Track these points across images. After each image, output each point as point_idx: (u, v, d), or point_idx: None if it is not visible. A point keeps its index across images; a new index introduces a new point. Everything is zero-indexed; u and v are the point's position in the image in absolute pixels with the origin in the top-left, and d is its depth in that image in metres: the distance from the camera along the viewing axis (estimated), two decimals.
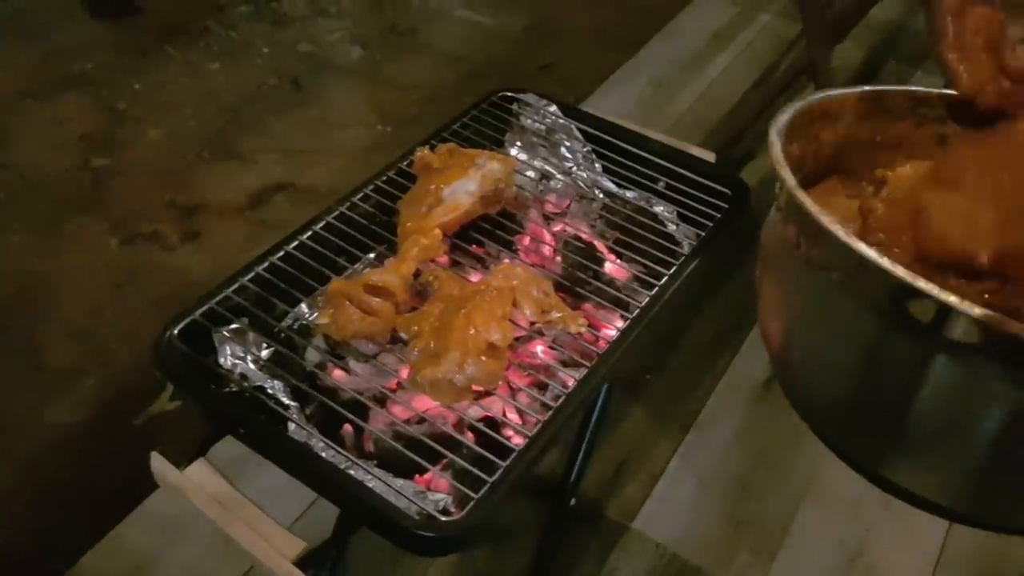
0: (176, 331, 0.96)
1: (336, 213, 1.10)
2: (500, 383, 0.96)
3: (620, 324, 1.01)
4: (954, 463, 0.46)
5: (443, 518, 0.82)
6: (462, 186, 1.07)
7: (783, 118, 0.54)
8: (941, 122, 0.60)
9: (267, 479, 1.06)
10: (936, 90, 0.61)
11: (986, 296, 0.49)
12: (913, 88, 0.60)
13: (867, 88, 0.59)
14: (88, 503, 1.48)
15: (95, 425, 1.62)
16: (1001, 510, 0.47)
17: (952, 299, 0.41)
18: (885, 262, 0.43)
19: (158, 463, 0.87)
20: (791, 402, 0.53)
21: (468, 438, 0.92)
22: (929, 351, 0.43)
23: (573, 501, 1.20)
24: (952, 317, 0.41)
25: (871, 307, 0.45)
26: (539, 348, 1.02)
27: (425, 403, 0.96)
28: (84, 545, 1.39)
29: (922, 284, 0.41)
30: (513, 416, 0.98)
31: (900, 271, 0.42)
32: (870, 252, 0.43)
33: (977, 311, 0.40)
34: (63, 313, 1.81)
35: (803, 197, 0.48)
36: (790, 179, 0.49)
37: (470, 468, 0.86)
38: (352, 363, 1.00)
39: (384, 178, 1.15)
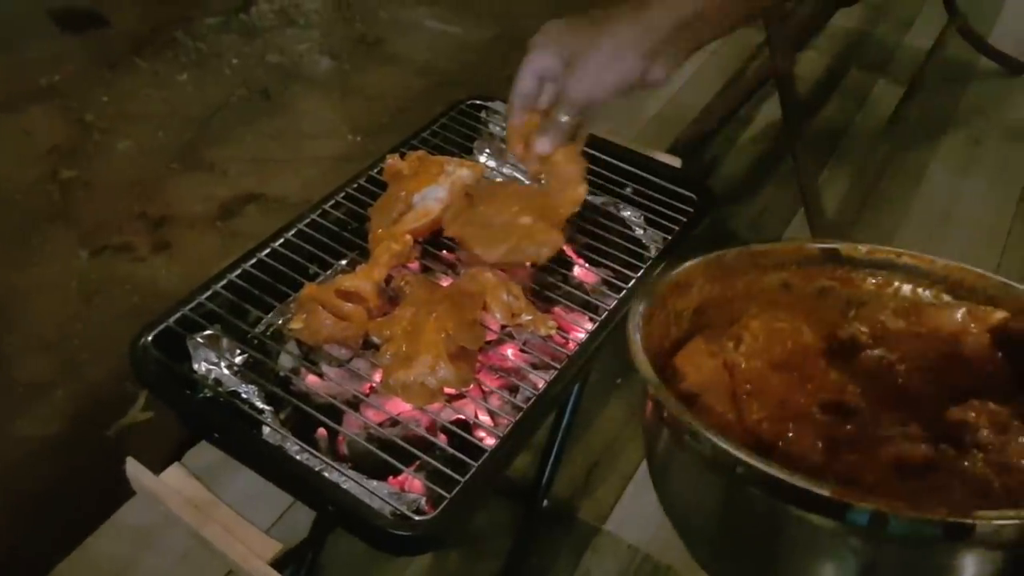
0: (150, 338, 0.96)
1: (308, 220, 1.11)
2: (472, 386, 0.97)
3: (589, 327, 1.03)
4: None
5: (417, 518, 0.83)
6: (432, 193, 1.09)
7: (638, 309, 0.60)
8: (780, 269, 0.65)
9: (242, 486, 1.07)
10: (771, 244, 0.67)
11: (848, 428, 0.55)
12: (750, 247, 0.66)
13: (708, 256, 0.65)
14: (61, 515, 1.48)
15: (67, 437, 1.62)
16: None
17: (801, 481, 0.46)
18: (740, 451, 0.48)
19: (133, 468, 0.88)
20: (681, 538, 0.59)
21: (441, 440, 0.93)
22: (783, 517, 0.49)
23: (545, 503, 1.22)
24: (800, 493, 0.46)
25: (729, 482, 0.51)
26: (510, 351, 1.04)
27: (398, 406, 0.98)
28: (57, 557, 1.39)
29: (772, 470, 0.47)
30: (485, 418, 0.99)
31: (753, 458, 0.48)
32: (727, 443, 0.48)
33: (824, 490, 0.45)
34: (33, 325, 1.80)
35: (665, 397, 0.54)
36: (652, 378, 0.56)
37: (443, 469, 0.87)
38: (325, 368, 1.01)
39: (355, 185, 1.16)
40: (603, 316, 1.03)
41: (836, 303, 0.66)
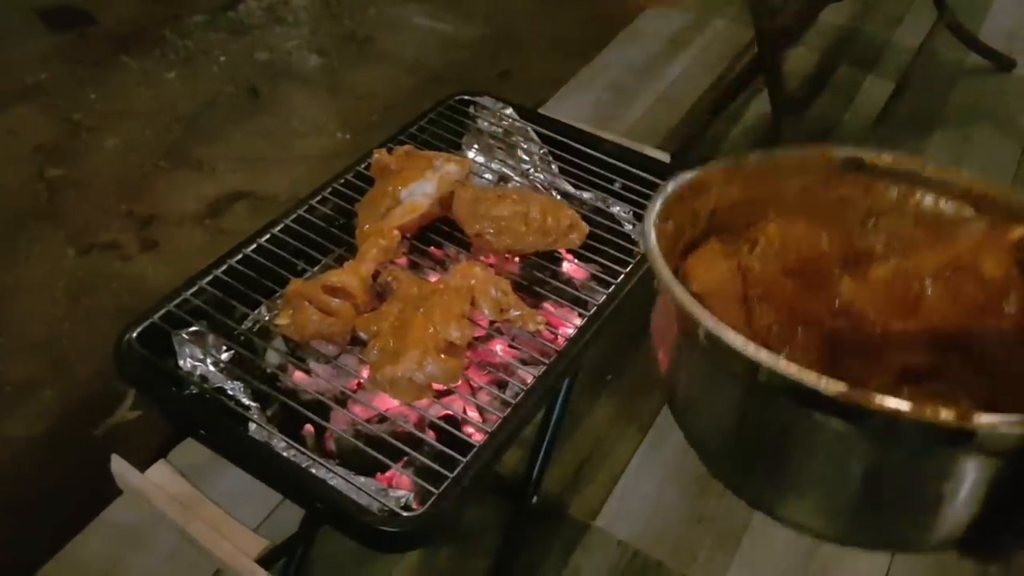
0: (135, 335, 0.96)
1: (294, 216, 1.11)
2: (460, 381, 0.97)
3: (578, 322, 1.03)
4: (831, 504, 0.51)
5: (405, 514, 0.83)
6: (419, 188, 1.08)
7: (655, 205, 0.59)
8: (801, 175, 0.65)
9: (230, 484, 1.06)
10: (793, 150, 0.66)
11: (856, 336, 0.54)
12: (770, 151, 0.65)
13: (728, 158, 0.64)
14: (49, 515, 1.47)
15: (55, 437, 1.61)
16: (885, 539, 0.53)
17: (810, 378, 0.46)
18: (749, 347, 0.47)
19: (118, 465, 0.87)
20: (688, 442, 0.58)
21: (429, 436, 0.93)
22: (792, 417, 0.48)
23: (535, 499, 1.21)
24: (809, 392, 0.45)
25: (739, 380, 0.50)
26: (499, 347, 1.04)
27: (386, 402, 0.97)
28: (44, 557, 1.38)
29: (783, 367, 0.46)
30: (474, 414, 0.99)
31: (763, 354, 0.47)
32: (736, 338, 0.48)
33: (832, 388, 0.45)
34: (21, 325, 1.79)
35: (678, 290, 0.52)
36: (666, 273, 0.54)
37: (431, 465, 0.87)
38: (312, 364, 1.00)
39: (342, 181, 1.15)
40: (592, 311, 1.03)
41: (856, 212, 0.64)
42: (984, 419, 0.43)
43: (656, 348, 0.57)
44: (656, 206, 0.59)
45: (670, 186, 0.61)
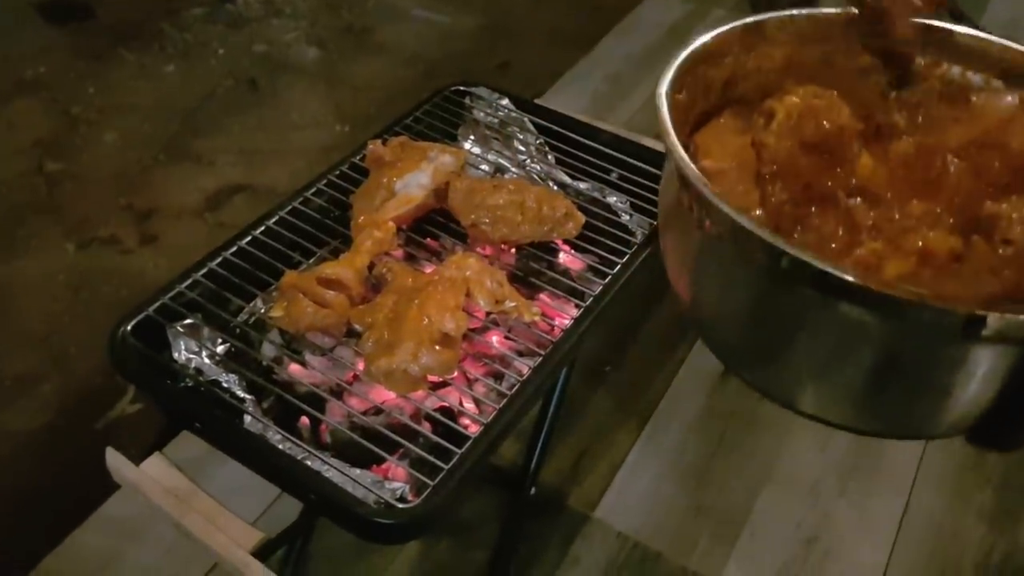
0: (129, 327, 0.96)
1: (289, 208, 1.10)
2: (456, 373, 0.97)
3: (575, 313, 1.03)
4: (847, 392, 0.51)
5: (400, 505, 0.83)
6: (414, 179, 1.08)
7: (669, 73, 0.56)
8: (824, 41, 0.62)
9: (227, 478, 1.06)
10: (813, 10, 0.62)
11: (873, 215, 0.52)
12: (792, 12, 0.62)
13: (747, 21, 0.60)
14: (48, 508, 1.47)
15: (55, 430, 1.61)
16: (899, 426, 0.53)
17: (826, 265, 0.46)
18: (765, 233, 0.46)
19: (113, 459, 0.87)
20: (707, 345, 0.56)
21: (425, 427, 0.93)
22: (804, 300, 0.48)
23: (533, 490, 1.21)
24: (821, 276, 0.45)
25: (754, 266, 0.49)
26: (495, 338, 1.04)
27: (382, 394, 0.97)
28: (43, 550, 1.38)
29: (797, 252, 0.46)
30: (470, 405, 0.99)
31: (779, 241, 0.46)
32: (753, 225, 0.47)
33: (848, 275, 0.44)
34: (20, 319, 1.79)
35: (691, 170, 0.51)
36: (678, 151, 0.52)
37: (427, 456, 0.87)
38: (308, 356, 1.00)
39: (337, 172, 1.15)
40: (588, 302, 1.03)
41: (878, 83, 0.62)
42: (997, 315, 0.42)
43: (665, 244, 0.55)
44: (669, 75, 0.57)
45: (685, 51, 0.58)
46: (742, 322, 0.53)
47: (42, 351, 1.74)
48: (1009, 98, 0.58)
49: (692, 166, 0.50)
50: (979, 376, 0.46)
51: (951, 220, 0.53)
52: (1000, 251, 0.50)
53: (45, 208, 2.03)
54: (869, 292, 0.43)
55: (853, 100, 0.60)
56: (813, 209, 0.53)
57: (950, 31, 0.58)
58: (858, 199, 0.54)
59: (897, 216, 0.53)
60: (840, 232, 0.52)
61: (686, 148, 0.55)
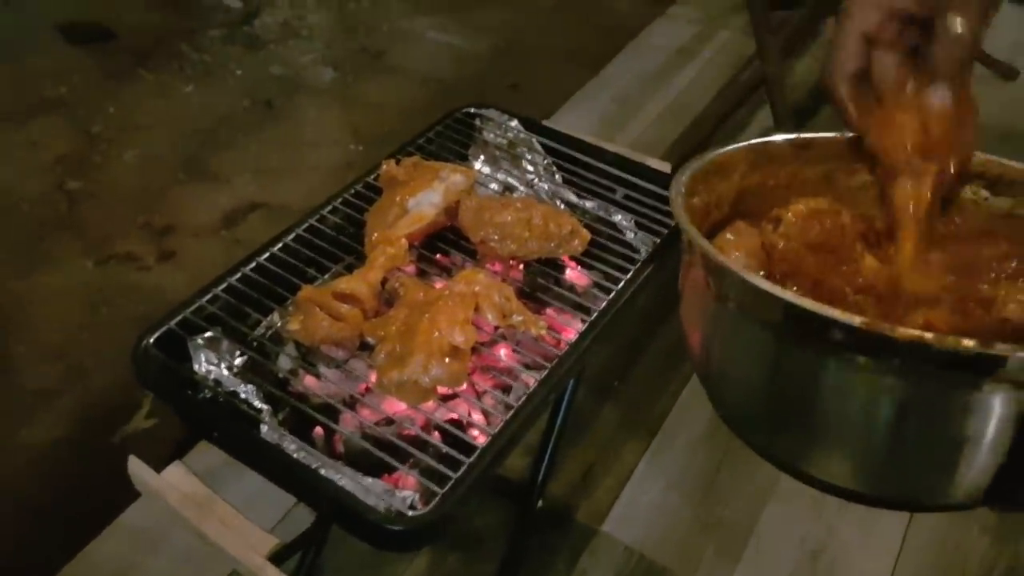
0: (152, 340, 0.99)
1: (306, 225, 1.14)
2: (465, 385, 0.99)
3: (580, 327, 1.06)
4: (859, 452, 0.52)
5: (410, 513, 0.85)
6: (426, 197, 1.11)
7: (682, 178, 0.60)
8: (825, 161, 0.66)
9: (244, 488, 1.09)
10: (816, 134, 0.67)
11: (878, 309, 0.56)
12: (794, 136, 0.66)
13: (753, 141, 0.65)
14: (65, 521, 1.50)
15: (71, 444, 1.64)
16: (912, 490, 0.53)
17: (834, 312, 0.47)
18: (775, 288, 0.49)
19: (135, 466, 0.90)
20: (719, 414, 0.59)
21: (435, 438, 0.96)
22: (820, 359, 0.50)
23: (540, 503, 1.23)
24: (834, 327, 0.47)
25: (768, 327, 0.52)
26: (503, 352, 1.06)
27: (394, 406, 1.00)
28: (61, 560, 1.41)
29: (807, 303, 0.48)
30: (478, 417, 1.02)
31: (788, 294, 0.49)
32: (762, 281, 0.50)
33: (856, 320, 0.46)
34: (39, 334, 1.83)
35: (703, 242, 0.54)
36: (691, 229, 0.56)
37: (436, 466, 0.89)
38: (323, 369, 1.03)
39: (352, 191, 1.19)
40: (594, 316, 1.06)
41: (876, 199, 0.65)
42: (1004, 347, 0.44)
43: (685, 321, 0.58)
44: (683, 178, 0.61)
45: (695, 163, 0.62)
46: (751, 386, 0.56)
47: (60, 365, 1.77)
48: (995, 206, 0.63)
49: (701, 236, 0.54)
50: (989, 427, 0.47)
51: (953, 299, 0.57)
52: (999, 321, 0.54)
53: (65, 225, 2.07)
54: (877, 336, 0.45)
55: (856, 211, 0.65)
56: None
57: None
58: (865, 295, 0.58)
59: (902, 306, 0.56)
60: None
61: None
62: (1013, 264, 0.59)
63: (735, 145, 0.65)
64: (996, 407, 0.46)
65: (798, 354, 0.51)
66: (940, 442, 0.49)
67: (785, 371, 0.54)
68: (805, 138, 0.66)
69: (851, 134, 0.65)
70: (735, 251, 0.61)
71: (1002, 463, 0.48)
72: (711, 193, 0.64)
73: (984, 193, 0.63)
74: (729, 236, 0.63)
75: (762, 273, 0.61)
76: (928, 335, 0.45)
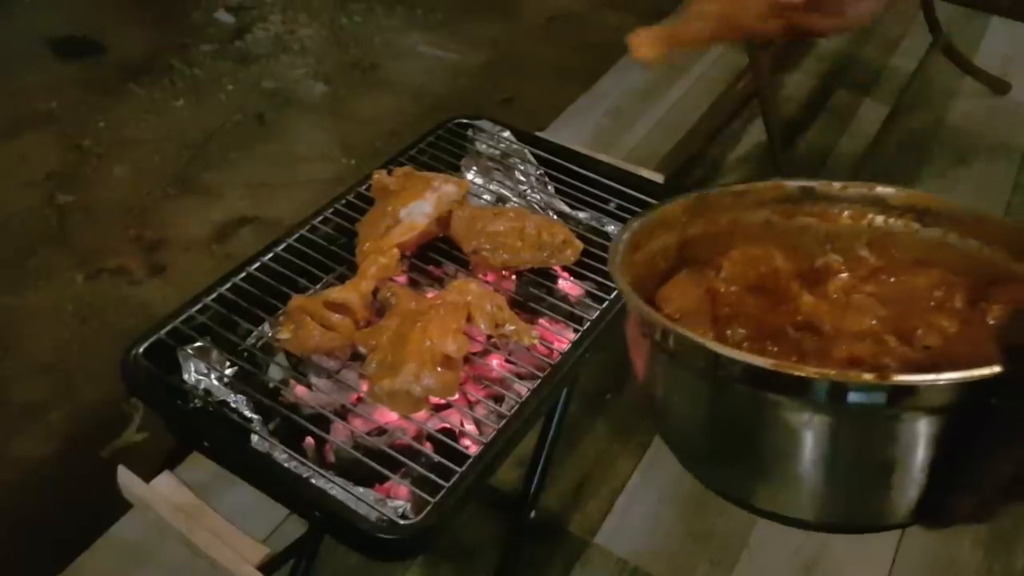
0: (141, 350, 0.98)
1: (297, 236, 1.13)
2: (458, 395, 0.99)
3: (573, 337, 1.05)
4: (796, 484, 0.55)
5: (402, 522, 0.85)
6: (418, 207, 1.11)
7: (623, 235, 0.64)
8: (761, 207, 0.70)
9: (235, 500, 1.08)
10: (751, 183, 0.71)
11: (815, 342, 0.60)
12: (731, 186, 0.70)
13: (690, 195, 0.69)
14: (55, 535, 1.49)
15: (62, 458, 1.63)
16: (852, 515, 0.56)
17: (745, 356, 0.51)
18: (696, 336, 0.53)
19: (125, 476, 0.89)
20: (672, 450, 0.62)
21: (427, 448, 0.95)
22: (743, 399, 0.53)
23: (533, 514, 1.23)
24: (749, 369, 0.51)
25: (696, 372, 0.55)
26: (495, 362, 1.06)
27: (385, 415, 0.99)
28: (51, 573, 1.40)
29: (722, 348, 0.52)
30: (470, 426, 1.01)
31: (708, 341, 0.53)
32: (686, 332, 0.53)
33: (767, 362, 0.49)
34: (29, 348, 1.82)
35: (631, 295, 0.58)
36: (622, 282, 0.60)
37: (428, 475, 0.89)
38: (314, 379, 1.03)
39: (343, 202, 1.18)
40: (586, 326, 1.05)
41: (816, 238, 0.70)
42: (900, 377, 0.48)
43: (633, 363, 0.61)
44: (624, 236, 0.64)
45: (636, 221, 0.67)
46: (690, 427, 0.60)
47: (50, 380, 1.76)
48: (926, 236, 0.67)
49: (630, 290, 0.59)
50: (909, 450, 0.50)
51: (876, 332, 0.60)
52: (918, 354, 0.57)
53: (55, 239, 2.07)
54: (787, 376, 0.49)
55: (797, 252, 0.69)
56: (768, 344, 0.60)
57: (870, 187, 0.68)
58: (805, 332, 0.62)
59: (835, 342, 0.60)
60: (794, 359, 0.58)
61: (651, 303, 0.64)
62: (941, 292, 0.63)
63: (675, 199, 0.69)
64: (909, 431, 0.50)
65: (723, 396, 0.55)
66: (868, 469, 0.52)
67: (714, 412, 0.57)
68: (741, 187, 0.70)
69: (782, 180, 0.69)
70: (681, 297, 0.65)
71: (924, 483, 0.51)
72: (655, 246, 0.68)
73: (915, 225, 0.67)
74: (675, 284, 0.67)
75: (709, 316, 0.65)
76: (832, 372, 0.49)
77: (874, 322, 0.61)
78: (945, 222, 0.66)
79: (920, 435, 0.49)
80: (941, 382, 0.47)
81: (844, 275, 0.66)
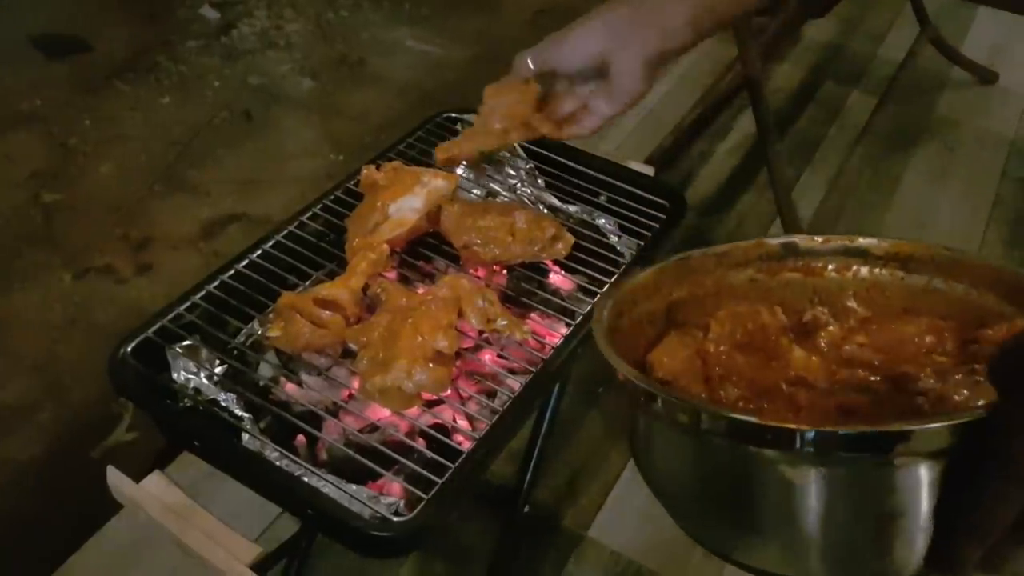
0: (129, 349, 0.97)
1: (285, 232, 1.12)
2: (450, 391, 0.98)
3: (564, 331, 1.05)
4: (788, 541, 0.54)
5: (396, 519, 0.84)
6: (407, 203, 1.10)
7: (607, 304, 0.64)
8: (745, 266, 0.70)
9: (227, 499, 1.07)
10: (733, 243, 0.71)
11: (808, 395, 0.59)
12: (712, 248, 0.70)
13: (672, 259, 0.69)
14: (45, 536, 1.48)
15: (51, 459, 1.62)
16: (864, 572, 0.55)
17: (733, 413, 0.52)
18: (682, 397, 0.54)
19: (114, 477, 0.89)
20: (663, 505, 0.62)
21: (419, 444, 0.94)
22: (733, 457, 0.52)
23: (526, 509, 1.22)
24: (736, 425, 0.50)
25: (684, 431, 0.54)
26: (487, 357, 1.05)
27: (377, 412, 0.99)
28: (42, 574, 1.40)
29: (709, 407, 0.53)
30: (463, 422, 1.00)
31: (696, 402, 0.54)
32: (668, 392, 0.54)
33: (746, 417, 0.49)
34: (16, 348, 1.81)
35: (616, 360, 0.58)
36: (606, 349, 0.60)
37: (421, 472, 0.88)
38: (304, 376, 1.02)
39: (332, 197, 1.17)
40: (578, 320, 1.05)
41: (802, 293, 0.70)
42: (894, 425, 0.47)
43: (624, 428, 0.61)
44: (607, 303, 0.64)
45: (619, 288, 0.66)
46: (683, 488, 0.59)
47: (38, 380, 1.75)
48: (912, 283, 0.67)
49: (614, 354, 0.59)
50: (914, 497, 0.49)
51: (865, 379, 0.61)
52: (910, 398, 0.57)
53: (41, 239, 2.05)
54: (772, 431, 0.48)
55: (784, 307, 0.69)
56: (763, 401, 0.60)
57: (851, 238, 0.68)
58: (798, 386, 0.61)
59: (827, 394, 0.60)
60: (789, 416, 0.58)
61: (641, 367, 0.64)
62: (932, 338, 0.63)
63: (656, 265, 0.69)
64: (905, 479, 0.48)
65: (714, 455, 0.54)
66: (867, 522, 0.51)
67: (702, 469, 0.56)
68: (723, 248, 0.70)
69: (764, 238, 0.70)
70: (672, 360, 0.65)
71: (928, 534, 0.49)
72: (641, 310, 0.68)
73: (900, 273, 0.67)
74: (665, 347, 0.67)
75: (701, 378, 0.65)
76: (802, 426, 0.48)
77: (866, 372, 0.61)
78: (930, 268, 0.66)
79: (919, 483, 0.48)
80: (934, 426, 0.46)
81: (833, 327, 0.66)
